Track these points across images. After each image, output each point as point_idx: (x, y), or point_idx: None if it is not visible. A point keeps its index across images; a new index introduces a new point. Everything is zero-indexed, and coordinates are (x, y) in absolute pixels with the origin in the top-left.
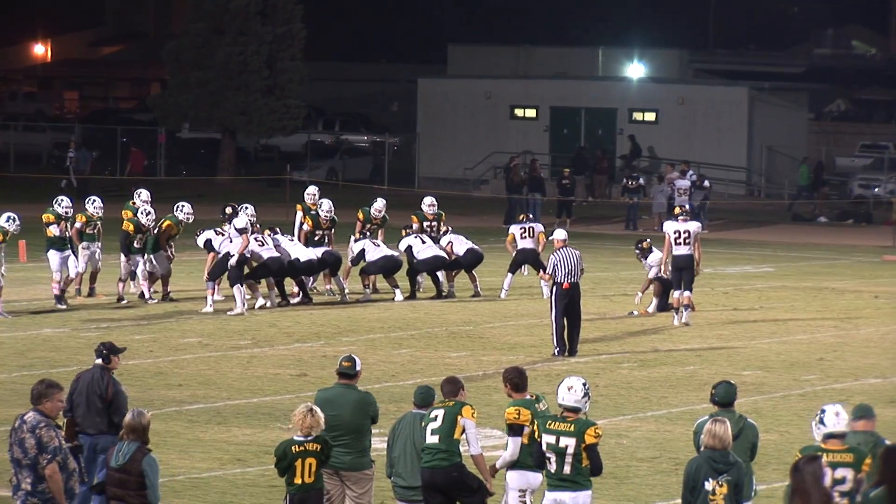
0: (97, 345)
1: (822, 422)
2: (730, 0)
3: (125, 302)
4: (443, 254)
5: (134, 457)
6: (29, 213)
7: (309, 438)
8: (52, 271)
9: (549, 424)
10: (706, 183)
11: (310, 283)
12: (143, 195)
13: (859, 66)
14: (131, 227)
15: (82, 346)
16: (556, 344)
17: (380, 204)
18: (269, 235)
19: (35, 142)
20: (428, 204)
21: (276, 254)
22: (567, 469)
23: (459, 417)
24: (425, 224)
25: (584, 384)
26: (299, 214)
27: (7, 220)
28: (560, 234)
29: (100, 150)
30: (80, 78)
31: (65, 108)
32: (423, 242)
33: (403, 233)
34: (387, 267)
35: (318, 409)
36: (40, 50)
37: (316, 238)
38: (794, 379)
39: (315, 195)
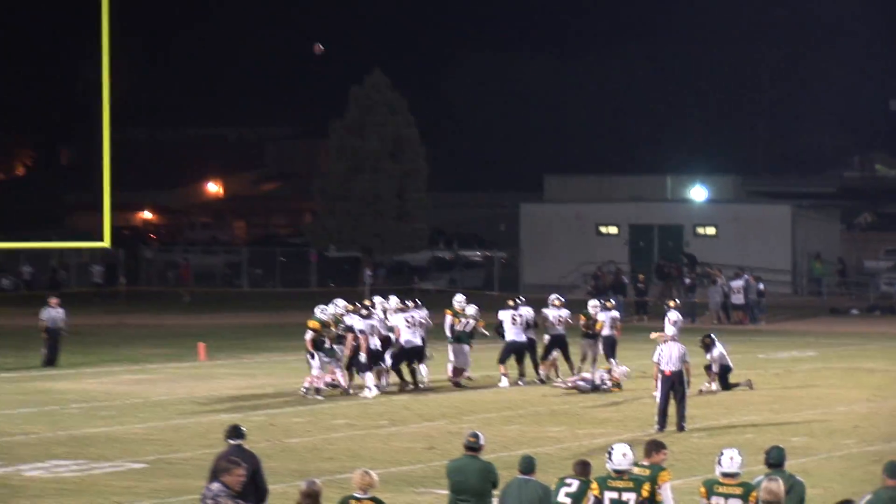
0: (229, 427)
1: (719, 462)
2: (773, 133)
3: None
4: (522, 338)
5: None
6: (206, 321)
7: (365, 496)
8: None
9: (610, 483)
10: (761, 286)
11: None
12: (339, 303)
13: (882, 186)
14: (318, 326)
15: (253, 428)
16: (657, 421)
17: (459, 297)
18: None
19: (210, 262)
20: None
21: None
22: None
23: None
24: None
25: (632, 450)
26: (449, 318)
27: (322, 311)
28: (668, 330)
29: (263, 268)
30: (246, 210)
31: (234, 235)
32: (514, 324)
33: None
34: (513, 349)
35: (372, 473)
36: (213, 188)
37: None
38: (834, 443)
39: (462, 301)
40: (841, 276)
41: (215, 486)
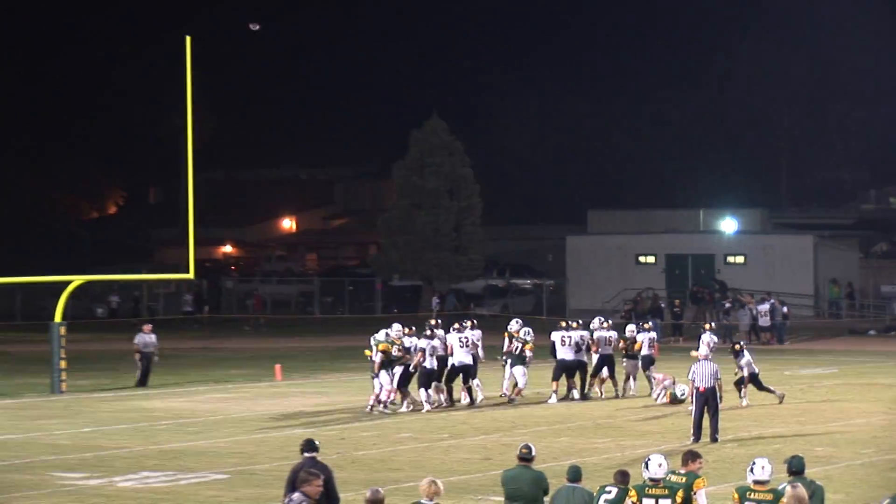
0: (304, 441)
1: (751, 471)
2: (797, 170)
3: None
4: (571, 357)
5: None
6: (281, 345)
7: (431, 503)
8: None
9: (647, 490)
10: (785, 309)
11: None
12: (395, 328)
13: None
14: (388, 347)
15: (325, 441)
16: (692, 433)
17: (513, 322)
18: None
19: (285, 291)
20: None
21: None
22: None
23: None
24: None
25: (667, 460)
26: (507, 340)
27: (387, 335)
28: (702, 350)
29: (333, 296)
30: (317, 243)
31: (306, 266)
32: (563, 345)
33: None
34: (563, 367)
35: (439, 482)
36: (288, 224)
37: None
38: (855, 452)
39: (515, 325)
40: (849, 298)
41: (296, 496)
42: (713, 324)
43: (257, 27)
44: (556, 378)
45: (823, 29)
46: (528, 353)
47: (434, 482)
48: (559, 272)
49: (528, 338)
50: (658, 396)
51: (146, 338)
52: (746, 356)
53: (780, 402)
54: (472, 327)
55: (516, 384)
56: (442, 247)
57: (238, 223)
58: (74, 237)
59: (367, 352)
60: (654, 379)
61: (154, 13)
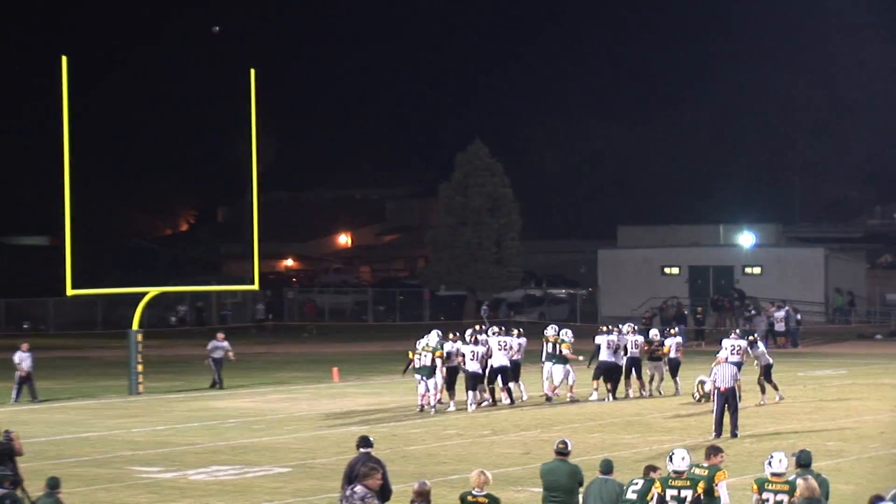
0: (359, 437)
1: (769, 464)
2: (809, 187)
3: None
4: (613, 360)
5: None
6: (338, 350)
7: (481, 493)
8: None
9: (671, 482)
10: (798, 315)
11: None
12: (434, 334)
13: None
14: (441, 353)
15: (379, 438)
16: (714, 429)
17: (549, 328)
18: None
19: (341, 301)
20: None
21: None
22: None
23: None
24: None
25: (690, 454)
26: (545, 345)
27: (436, 341)
28: (722, 353)
29: (385, 305)
30: (370, 257)
31: (361, 278)
32: (608, 348)
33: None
34: (604, 369)
35: (488, 473)
36: (344, 239)
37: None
38: (863, 447)
39: (550, 329)
40: (850, 305)
41: (359, 489)
42: (737, 331)
43: (216, 29)
44: (596, 377)
45: (833, 58)
46: (565, 352)
47: (483, 473)
48: (591, 282)
49: (566, 338)
50: (696, 387)
51: (217, 344)
52: (761, 347)
53: (777, 402)
54: (519, 335)
55: (570, 384)
56: (484, 260)
57: (298, 239)
58: (150, 252)
59: (411, 353)
60: (708, 381)
61: (223, 48)
